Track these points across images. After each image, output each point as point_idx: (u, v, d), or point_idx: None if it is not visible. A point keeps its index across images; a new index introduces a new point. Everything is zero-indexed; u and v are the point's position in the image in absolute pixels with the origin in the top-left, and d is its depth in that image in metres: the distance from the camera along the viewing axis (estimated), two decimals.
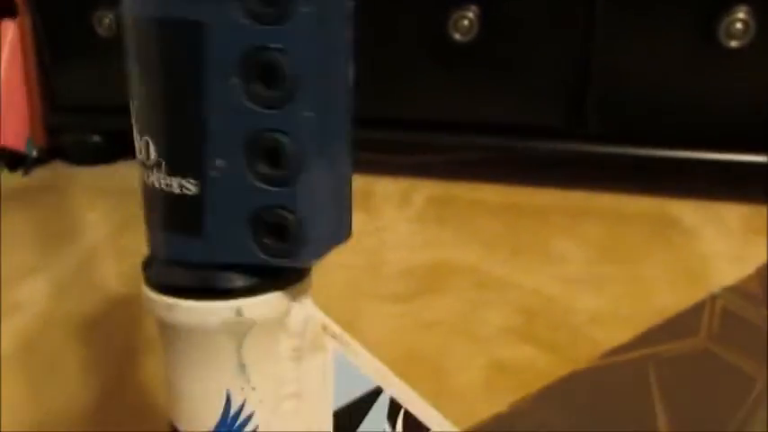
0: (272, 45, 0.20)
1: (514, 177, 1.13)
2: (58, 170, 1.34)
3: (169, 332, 0.25)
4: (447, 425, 0.33)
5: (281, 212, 0.22)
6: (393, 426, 0.31)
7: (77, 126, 1.29)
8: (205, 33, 0.20)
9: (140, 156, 0.22)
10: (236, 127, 0.21)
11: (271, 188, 0.22)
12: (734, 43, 0.84)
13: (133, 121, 0.22)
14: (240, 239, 0.22)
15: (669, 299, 0.77)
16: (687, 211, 1.01)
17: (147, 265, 0.25)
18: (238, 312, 0.24)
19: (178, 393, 0.26)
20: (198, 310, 0.23)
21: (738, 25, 0.85)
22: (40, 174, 1.31)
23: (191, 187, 0.21)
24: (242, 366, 0.25)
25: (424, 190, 1.12)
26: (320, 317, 0.26)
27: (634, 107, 0.99)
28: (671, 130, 1.00)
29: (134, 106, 0.22)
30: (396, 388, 0.30)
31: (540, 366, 0.68)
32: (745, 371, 0.55)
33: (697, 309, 0.64)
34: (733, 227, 0.97)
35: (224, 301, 0.23)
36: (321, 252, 0.23)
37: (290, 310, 0.25)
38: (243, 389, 0.25)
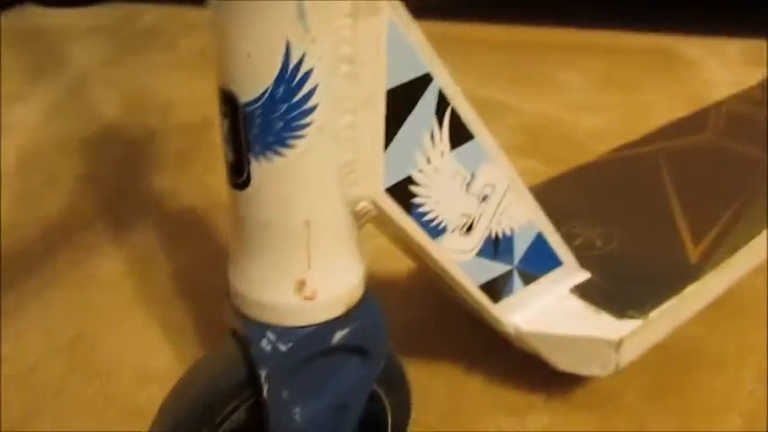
0: None
1: (515, 17, 1.10)
2: (33, 12, 1.27)
3: None
4: (489, 137, 0.33)
5: None
6: (440, 123, 0.30)
7: None
8: None
9: None
10: None
11: None
12: None
13: None
14: None
15: (669, 117, 0.78)
16: (688, 46, 1.00)
17: None
18: None
19: (234, 50, 0.25)
20: None
21: None
22: (15, 14, 1.24)
23: None
24: (302, 12, 0.24)
25: (423, 29, 1.09)
26: None
27: None
28: None
29: None
30: (444, 79, 0.30)
31: (548, 173, 0.69)
32: (749, 156, 0.56)
33: (703, 112, 0.64)
34: (733, 59, 0.97)
35: None
36: None
37: None
38: (302, 39, 0.24)
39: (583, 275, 0.42)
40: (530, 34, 1.08)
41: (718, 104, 0.66)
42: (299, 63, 0.25)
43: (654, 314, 0.40)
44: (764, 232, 0.46)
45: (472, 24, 1.12)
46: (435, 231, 0.33)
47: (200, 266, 0.58)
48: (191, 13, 1.24)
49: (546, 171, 0.69)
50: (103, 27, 1.20)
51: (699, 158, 0.57)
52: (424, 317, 0.52)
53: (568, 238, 0.46)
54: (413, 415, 0.37)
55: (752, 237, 0.45)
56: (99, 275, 0.58)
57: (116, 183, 0.72)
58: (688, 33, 1.03)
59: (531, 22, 1.10)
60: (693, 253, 0.44)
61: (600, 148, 0.74)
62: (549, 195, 0.52)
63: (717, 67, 0.93)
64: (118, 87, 0.92)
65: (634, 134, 0.73)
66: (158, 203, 0.68)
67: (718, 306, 0.46)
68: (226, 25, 0.25)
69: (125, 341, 0.50)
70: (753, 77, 0.88)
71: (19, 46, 1.09)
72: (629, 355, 0.40)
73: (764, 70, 0.90)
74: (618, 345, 0.38)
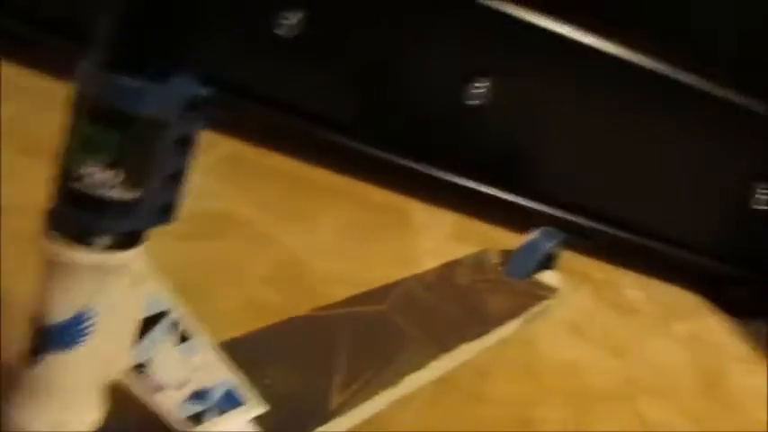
0: None
1: (301, 151, 1.35)
2: None
3: (55, 268, 0.43)
4: (206, 336, 0.55)
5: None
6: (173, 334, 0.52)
7: None
8: None
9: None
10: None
11: None
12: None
13: None
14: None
15: (386, 272, 1.05)
16: (420, 210, 1.32)
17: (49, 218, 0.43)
18: (105, 261, 0.43)
19: (47, 305, 0.44)
20: (79, 256, 0.43)
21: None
22: None
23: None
24: (97, 293, 0.44)
25: (220, 148, 1.30)
26: (145, 261, 0.47)
27: (406, 121, 1.27)
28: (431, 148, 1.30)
29: None
30: (178, 312, 0.52)
31: (283, 308, 0.92)
32: (406, 332, 0.84)
33: (391, 286, 0.93)
34: (446, 231, 1.31)
35: (98, 254, 0.43)
36: None
37: (135, 259, 0.45)
38: (92, 308, 0.45)
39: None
40: (306, 169, 1.33)
41: (403, 281, 0.95)
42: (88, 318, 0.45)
43: None
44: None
45: (265, 149, 1.34)
46: None
47: None
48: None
49: (285, 303, 0.92)
50: None
51: (371, 326, 0.84)
52: None
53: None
54: None
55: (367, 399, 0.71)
56: None
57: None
58: (421, 199, 1.35)
59: (307, 157, 1.35)
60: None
61: (329, 290, 0.99)
62: (261, 343, 0.75)
63: (431, 237, 1.26)
64: None
65: (355, 282, 0.98)
66: None
67: None
68: (47, 288, 0.44)
69: None
70: (452, 252, 1.21)
71: None
72: None
73: (467, 248, 1.22)
74: None
